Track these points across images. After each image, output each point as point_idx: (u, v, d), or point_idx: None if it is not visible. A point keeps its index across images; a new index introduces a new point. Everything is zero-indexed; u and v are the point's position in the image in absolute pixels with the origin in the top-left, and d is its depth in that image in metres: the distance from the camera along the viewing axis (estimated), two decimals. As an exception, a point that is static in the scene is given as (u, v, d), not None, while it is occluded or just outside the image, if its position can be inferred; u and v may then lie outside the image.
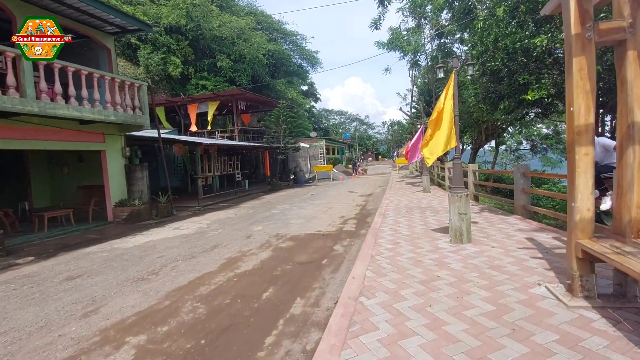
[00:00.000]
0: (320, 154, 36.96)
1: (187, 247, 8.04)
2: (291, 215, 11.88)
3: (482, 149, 22.79)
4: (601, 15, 6.57)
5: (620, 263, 2.95)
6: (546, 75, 8.22)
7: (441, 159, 17.90)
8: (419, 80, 27.49)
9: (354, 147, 72.82)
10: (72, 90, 9.89)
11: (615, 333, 3.01)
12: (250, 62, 31.72)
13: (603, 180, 5.43)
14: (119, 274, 6.39)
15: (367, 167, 47.98)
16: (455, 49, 19.31)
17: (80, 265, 7.09)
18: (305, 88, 51.47)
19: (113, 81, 11.35)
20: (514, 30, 8.10)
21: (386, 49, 20.43)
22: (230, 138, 24.89)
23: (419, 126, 19.10)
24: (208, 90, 27.56)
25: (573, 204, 3.58)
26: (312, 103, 56.34)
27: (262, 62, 32.89)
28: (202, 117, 25.02)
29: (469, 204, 6.41)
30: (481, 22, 9.13)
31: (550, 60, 7.96)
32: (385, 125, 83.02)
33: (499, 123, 16.97)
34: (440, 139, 6.63)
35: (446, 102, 6.54)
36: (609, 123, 9.43)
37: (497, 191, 15.56)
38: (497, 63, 8.45)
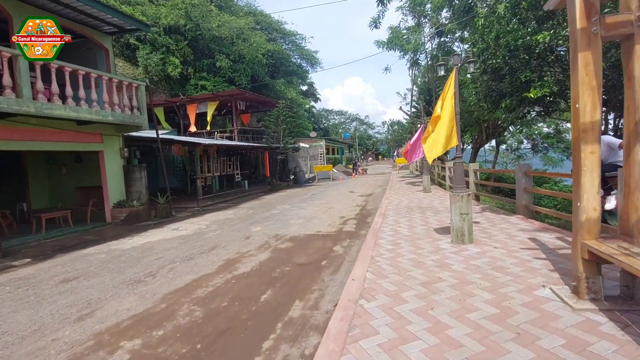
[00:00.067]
0: (320, 154, 36.85)
1: (185, 249, 7.95)
2: (291, 215, 11.79)
3: (482, 148, 22.68)
4: (606, 10, 6.47)
5: (628, 264, 2.85)
6: (548, 73, 8.11)
7: (442, 159, 17.80)
8: (419, 79, 27.39)
9: (354, 147, 72.72)
10: (69, 90, 9.81)
11: (624, 337, 2.91)
12: (250, 62, 31.63)
13: (607, 179, 5.34)
14: (116, 276, 6.29)
15: (367, 167, 47.89)
16: (455, 48, 19.24)
17: (76, 267, 6.99)
18: (305, 88, 51.43)
19: (111, 81, 11.26)
20: (515, 27, 8.00)
21: (386, 48, 20.33)
22: (230, 138, 24.80)
23: (419, 125, 19.00)
24: (207, 91, 27.48)
25: (579, 204, 3.48)
26: (312, 103, 56.29)
27: (261, 62, 32.80)
28: (201, 118, 24.95)
29: (471, 203, 6.31)
30: (482, 20, 9.03)
31: (552, 57, 7.85)
32: (385, 125, 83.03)
33: (499, 122, 16.86)
34: (440, 137, 6.52)
35: (446, 101, 6.44)
36: (612, 121, 9.33)
37: (498, 191, 15.46)
38: (498, 61, 8.34)
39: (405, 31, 20.30)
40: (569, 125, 21.67)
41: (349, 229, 9.20)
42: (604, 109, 8.88)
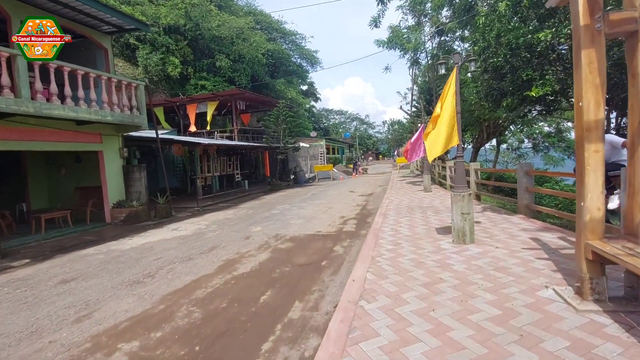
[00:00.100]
0: (321, 153, 36.78)
1: (184, 249, 7.90)
2: (291, 215, 11.74)
3: (482, 147, 22.62)
4: (609, 8, 6.41)
5: (634, 265, 2.80)
6: (550, 71, 8.05)
7: (442, 158, 17.75)
8: (420, 78, 27.33)
9: (354, 147, 72.67)
10: (68, 90, 9.77)
11: (630, 339, 2.86)
12: (250, 61, 31.56)
13: (610, 178, 5.28)
14: (114, 276, 6.25)
15: (367, 167, 47.87)
16: (455, 47, 19.17)
17: (75, 268, 6.95)
18: (305, 88, 51.36)
19: (110, 81, 11.21)
20: (516, 25, 7.94)
21: (386, 47, 20.27)
22: (230, 138, 24.75)
23: (419, 125, 18.95)
24: (207, 91, 27.42)
25: (582, 203, 3.42)
26: (312, 103, 56.20)
27: (261, 62, 32.74)
28: (201, 118, 24.90)
29: (472, 203, 6.26)
30: (483, 18, 8.97)
31: (554, 55, 7.80)
32: (386, 125, 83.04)
33: (500, 121, 16.81)
34: (440, 136, 6.45)
35: (447, 100, 6.38)
36: (614, 120, 9.27)
37: (498, 190, 15.41)
38: (499, 59, 8.28)
39: (405, 30, 20.24)
40: (570, 124, 21.64)
41: (349, 229, 9.15)
42: (606, 107, 8.81)
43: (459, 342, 3.04)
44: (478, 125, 18.01)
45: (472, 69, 7.43)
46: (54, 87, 9.42)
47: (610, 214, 5.88)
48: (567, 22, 6.95)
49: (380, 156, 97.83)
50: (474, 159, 20.69)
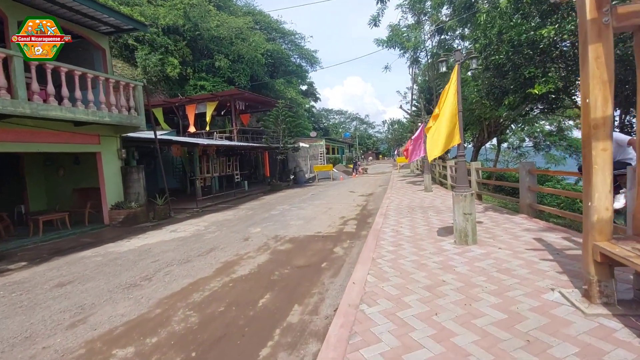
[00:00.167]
0: (320, 153, 36.67)
1: (182, 251, 7.80)
2: (290, 216, 11.64)
3: (483, 146, 22.52)
4: (615, 2, 6.29)
5: (645, 268, 2.70)
6: (552, 69, 7.94)
7: (442, 157, 17.64)
8: (420, 77, 27.23)
9: (354, 147, 72.53)
10: (65, 91, 9.66)
11: (641, 344, 2.75)
12: (249, 62, 31.45)
13: (616, 177, 5.17)
14: (111, 279, 6.15)
15: (367, 167, 47.74)
16: (455, 45, 19.06)
17: (72, 271, 6.85)
18: (304, 88, 51.26)
19: (107, 82, 11.10)
20: (519, 22, 7.83)
21: (385, 46, 20.17)
22: (229, 138, 24.65)
23: (419, 124, 18.84)
24: (206, 91, 27.31)
25: (590, 204, 3.32)
26: (312, 103, 56.10)
27: (260, 62, 32.61)
28: (200, 118, 24.81)
29: (474, 203, 6.15)
30: (484, 15, 8.86)
31: (556, 52, 7.69)
32: (386, 124, 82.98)
33: (501, 120, 16.69)
34: (440, 136, 6.33)
35: (447, 98, 6.27)
36: (617, 118, 9.15)
37: (499, 189, 15.30)
38: (501, 57, 8.17)
39: (405, 29, 20.15)
40: (571, 122, 21.53)
41: (349, 229, 9.05)
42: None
43: (463, 348, 2.93)
44: (479, 124, 17.90)
45: (474, 66, 7.33)
46: (51, 87, 9.32)
47: (615, 214, 5.78)
48: (570, 17, 6.85)
49: (380, 156, 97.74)
50: (474, 158, 20.58)
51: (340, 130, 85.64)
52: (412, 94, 28.49)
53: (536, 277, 4.32)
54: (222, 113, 27.04)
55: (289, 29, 44.10)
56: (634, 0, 3.22)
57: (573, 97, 9.16)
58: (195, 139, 20.40)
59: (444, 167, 17.16)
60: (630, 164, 4.77)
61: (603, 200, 3.26)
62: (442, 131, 6.28)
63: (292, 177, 27.33)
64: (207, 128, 24.34)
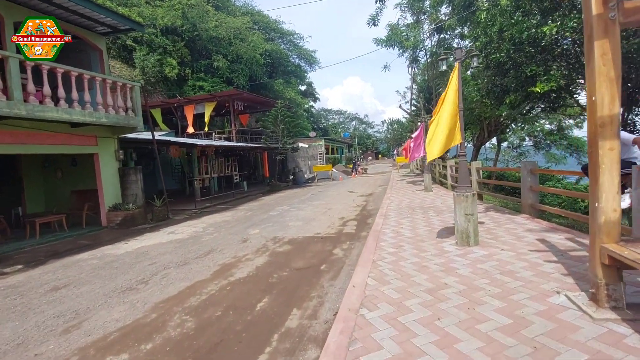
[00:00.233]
0: (320, 153, 36.56)
1: (180, 253, 7.70)
2: (289, 217, 11.53)
3: (483, 146, 22.42)
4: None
5: (656, 271, 2.59)
6: (554, 67, 7.84)
7: (442, 157, 17.54)
8: (419, 77, 27.13)
9: (353, 147, 72.42)
10: (61, 92, 9.55)
11: (653, 351, 2.65)
12: (248, 62, 31.34)
13: (621, 176, 5.07)
14: (107, 283, 6.05)
15: (367, 167, 47.62)
16: (455, 44, 18.96)
17: (68, 274, 6.76)
18: (303, 88, 51.14)
19: (104, 82, 11.00)
20: (520, 19, 7.72)
21: (384, 46, 20.07)
22: (228, 139, 24.53)
23: (419, 124, 18.74)
24: (205, 91, 27.20)
25: (597, 205, 3.21)
26: (311, 103, 56.00)
27: (259, 62, 32.50)
28: (199, 119, 24.68)
29: (476, 203, 6.05)
30: (484, 13, 8.75)
31: (558, 50, 7.58)
32: (385, 124, 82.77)
33: (502, 119, 16.59)
34: (440, 135, 6.20)
35: (447, 97, 6.16)
36: (620, 116, 9.03)
37: (500, 189, 15.19)
38: (502, 55, 8.06)
39: (404, 28, 20.05)
40: (571, 121, 21.44)
41: (349, 230, 8.95)
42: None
43: (467, 355, 2.82)
44: (479, 123, 17.80)
45: (475, 64, 7.21)
46: (47, 89, 9.20)
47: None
48: (572, 14, 6.75)
49: (380, 156, 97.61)
50: (474, 157, 20.48)
51: (339, 130, 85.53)
52: (412, 94, 28.41)
53: (541, 280, 4.22)
54: (221, 113, 26.96)
55: (287, 29, 44.02)
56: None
57: (575, 96, 9.06)
58: (193, 139, 20.29)
59: (444, 167, 17.06)
60: (635, 163, 4.66)
61: (610, 201, 3.16)
62: (442, 131, 6.15)
63: (291, 177, 27.23)
64: (206, 129, 24.23)
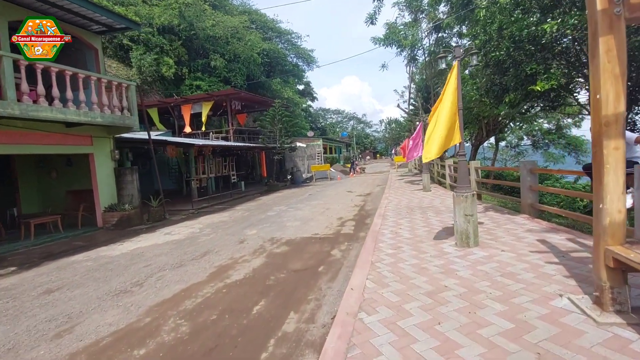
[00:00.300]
0: (318, 153, 36.45)
1: (176, 255, 7.59)
2: (287, 217, 11.43)
3: (481, 145, 22.35)
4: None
5: (663, 275, 2.51)
6: (554, 65, 7.75)
7: (440, 156, 17.44)
8: (417, 76, 27.06)
9: (351, 146, 72.32)
10: (56, 91, 9.44)
11: (660, 357, 2.56)
12: (245, 61, 31.21)
13: (623, 176, 4.99)
14: (101, 285, 5.94)
15: (365, 166, 47.53)
16: (453, 43, 18.88)
17: (61, 277, 6.65)
18: (301, 87, 51.02)
19: (99, 81, 10.87)
20: (519, 17, 7.63)
21: (382, 45, 19.98)
22: (226, 139, 24.40)
23: (417, 123, 18.67)
24: (202, 91, 27.06)
25: (601, 205, 3.13)
26: (309, 102, 55.92)
27: (257, 62, 32.38)
28: (196, 118, 24.54)
29: (476, 204, 5.96)
30: (483, 10, 8.66)
31: (559, 48, 7.50)
32: (383, 124, 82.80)
33: (500, 118, 16.52)
34: (438, 135, 6.07)
35: (445, 96, 6.05)
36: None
37: (497, 188, 15.13)
38: (501, 53, 7.97)
39: (402, 27, 19.96)
40: (570, 120, 21.39)
41: (347, 231, 8.85)
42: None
43: (469, 361, 2.74)
44: (477, 122, 17.72)
45: (474, 62, 7.11)
46: (41, 88, 9.09)
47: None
48: (573, 12, 6.67)
49: (378, 155, 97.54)
50: (473, 157, 20.42)
51: (337, 129, 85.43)
52: (410, 93, 28.34)
53: (542, 282, 4.13)
54: (218, 113, 26.79)
55: (285, 28, 43.90)
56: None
57: (575, 94, 8.98)
58: (190, 139, 20.17)
59: (442, 167, 16.99)
60: (638, 163, 4.59)
61: (615, 202, 3.07)
62: (440, 130, 6.00)
63: (289, 177, 27.12)
64: (203, 128, 24.09)
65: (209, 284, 5.60)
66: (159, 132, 20.84)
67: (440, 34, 18.73)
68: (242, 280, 5.71)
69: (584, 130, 23.14)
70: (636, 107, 8.28)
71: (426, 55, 20.28)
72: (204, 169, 19.07)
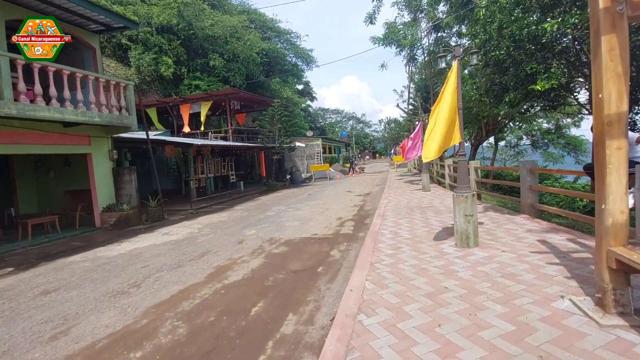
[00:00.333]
0: (317, 153, 36.39)
1: (174, 255, 7.54)
2: (286, 217, 11.39)
3: (480, 145, 22.32)
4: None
5: (668, 277, 2.47)
6: (554, 65, 7.71)
7: (440, 156, 17.39)
8: (416, 76, 27.02)
9: (350, 146, 72.26)
10: (53, 91, 9.38)
11: (664, 360, 2.52)
12: (244, 61, 31.12)
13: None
14: (98, 286, 5.89)
15: (364, 166, 47.50)
16: (452, 43, 18.85)
17: (58, 277, 6.59)
18: (300, 87, 50.92)
19: (97, 81, 10.81)
20: (520, 16, 7.58)
21: (382, 44, 19.93)
22: (224, 138, 24.34)
23: (416, 123, 18.63)
24: (201, 90, 26.95)
25: (603, 206, 3.09)
26: (308, 102, 55.82)
27: (256, 61, 32.28)
28: (195, 118, 24.45)
29: (475, 204, 5.92)
30: (483, 10, 8.62)
31: (559, 47, 7.46)
32: (382, 123, 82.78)
33: (500, 118, 16.48)
34: (437, 135, 6.02)
35: (444, 96, 6.00)
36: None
37: (496, 188, 15.11)
38: (501, 52, 7.93)
39: (401, 27, 19.91)
40: (569, 120, 21.37)
41: (346, 231, 8.81)
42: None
43: (470, 365, 2.70)
44: (476, 122, 17.68)
45: (475, 62, 7.06)
46: (38, 87, 9.03)
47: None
48: (573, 11, 6.63)
49: (377, 155, 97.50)
50: (472, 157, 20.39)
51: (336, 129, 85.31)
52: (409, 93, 28.31)
53: (543, 283, 4.09)
54: (217, 113, 26.72)
55: (284, 27, 43.80)
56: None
57: (575, 94, 8.95)
58: (189, 139, 20.11)
59: (442, 166, 16.95)
60: (639, 163, 4.55)
61: (618, 203, 3.03)
62: (439, 130, 5.95)
63: (288, 177, 27.07)
64: (202, 128, 24.01)
65: (207, 285, 5.55)
66: (158, 132, 20.78)
67: (439, 34, 18.68)
68: (240, 281, 5.67)
69: (583, 130, 23.21)
70: (636, 107, 8.25)
71: (425, 55, 20.24)
72: (202, 169, 19.00)
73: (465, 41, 16.29)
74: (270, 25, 41.52)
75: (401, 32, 19.46)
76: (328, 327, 3.75)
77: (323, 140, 42.45)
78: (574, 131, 23.74)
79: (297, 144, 31.60)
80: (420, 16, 18.94)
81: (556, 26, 6.72)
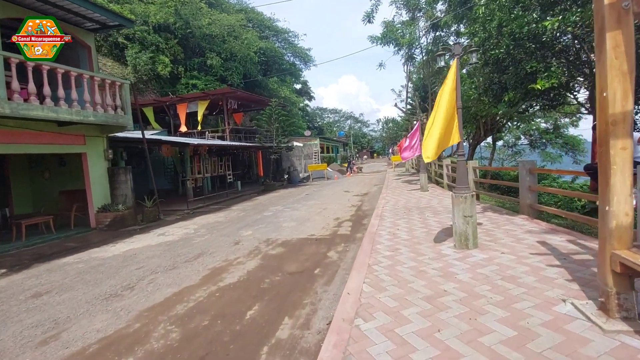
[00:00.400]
0: (315, 152, 36.27)
1: (169, 257, 7.43)
2: (283, 217, 11.29)
3: (478, 145, 22.26)
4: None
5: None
6: (554, 64, 7.62)
7: (438, 156, 17.30)
8: (414, 75, 26.93)
9: (348, 146, 72.16)
10: (47, 90, 9.24)
11: (671, 368, 2.44)
12: (242, 60, 31.00)
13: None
14: (91, 289, 5.78)
15: (362, 166, 47.45)
16: (451, 42, 18.77)
17: (51, 279, 6.48)
18: (298, 86, 50.83)
19: (92, 80, 10.68)
20: (519, 14, 7.50)
21: (380, 43, 19.84)
22: (222, 138, 24.20)
23: (415, 122, 18.54)
24: (199, 90, 26.81)
25: (607, 208, 3.00)
26: (306, 102, 55.69)
27: (253, 60, 32.16)
28: (192, 117, 24.33)
29: (475, 205, 5.83)
30: (482, 8, 8.53)
31: (559, 46, 7.37)
32: (380, 123, 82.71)
33: (498, 118, 16.41)
34: (436, 135, 5.91)
35: (442, 95, 5.91)
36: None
37: (494, 188, 15.04)
38: (501, 51, 7.84)
39: (399, 25, 19.82)
40: (567, 120, 21.34)
41: (344, 231, 8.72)
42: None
43: (471, 372, 2.61)
44: (475, 122, 17.61)
45: (474, 60, 6.97)
46: (32, 86, 8.90)
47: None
48: (574, 9, 6.54)
49: (375, 154, 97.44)
50: (470, 156, 20.33)
51: (334, 129, 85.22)
52: (407, 92, 28.21)
53: (544, 286, 4.01)
54: (215, 112, 26.58)
55: (282, 27, 43.70)
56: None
57: (575, 93, 8.87)
58: (186, 138, 19.96)
59: (440, 166, 16.87)
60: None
61: (622, 204, 2.95)
62: (438, 130, 5.85)
63: (286, 176, 26.96)
64: (199, 127, 23.87)
65: (201, 288, 5.45)
66: (155, 131, 20.63)
67: (438, 33, 18.60)
68: (235, 283, 5.57)
69: (581, 130, 23.20)
70: (636, 107, 8.17)
71: (424, 54, 20.15)
72: (199, 169, 18.89)
73: (463, 40, 16.24)
74: (268, 24, 41.42)
75: (399, 31, 19.37)
76: (325, 331, 3.66)
77: (321, 139, 42.32)
78: (572, 131, 23.76)
79: (295, 143, 31.46)
80: (418, 15, 18.84)
81: (557, 24, 6.63)
